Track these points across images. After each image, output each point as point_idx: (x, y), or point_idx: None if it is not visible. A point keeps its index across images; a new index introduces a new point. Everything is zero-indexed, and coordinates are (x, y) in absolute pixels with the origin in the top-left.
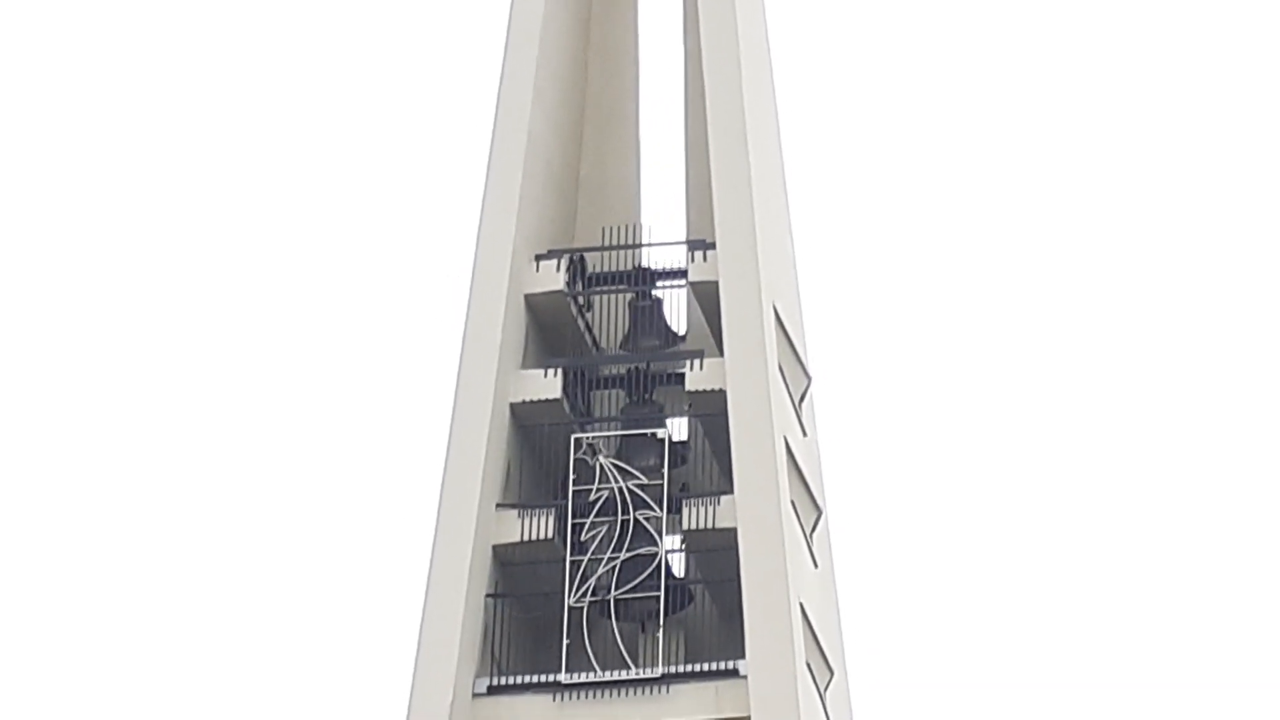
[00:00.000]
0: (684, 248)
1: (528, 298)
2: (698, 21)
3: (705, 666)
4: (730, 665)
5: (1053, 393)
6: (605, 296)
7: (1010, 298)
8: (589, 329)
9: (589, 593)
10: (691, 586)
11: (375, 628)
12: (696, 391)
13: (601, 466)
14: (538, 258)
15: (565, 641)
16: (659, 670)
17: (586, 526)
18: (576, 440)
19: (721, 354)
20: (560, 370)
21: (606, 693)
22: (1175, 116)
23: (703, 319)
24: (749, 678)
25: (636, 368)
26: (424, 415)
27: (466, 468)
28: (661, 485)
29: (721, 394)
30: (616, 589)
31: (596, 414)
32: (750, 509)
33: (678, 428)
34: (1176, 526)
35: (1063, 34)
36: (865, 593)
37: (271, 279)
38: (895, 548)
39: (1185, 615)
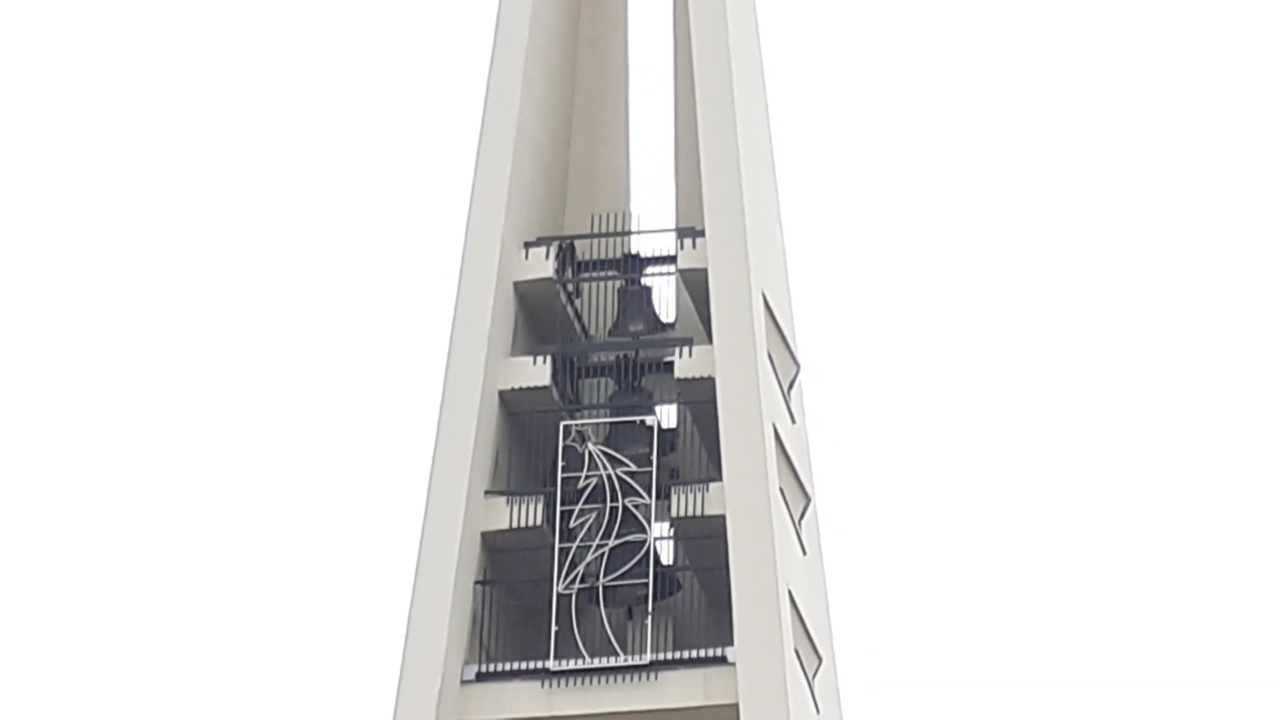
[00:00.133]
0: (673, 235)
1: (517, 285)
2: (687, 10)
3: (693, 653)
4: (719, 652)
5: (1042, 378)
6: (594, 284)
7: (999, 285)
8: (578, 316)
9: (578, 580)
10: (680, 574)
11: (364, 615)
12: (685, 379)
13: (590, 453)
14: (527, 245)
15: (554, 629)
16: (647, 657)
17: (575, 513)
18: (565, 427)
19: (710, 341)
20: (549, 357)
21: (595, 680)
22: (1168, 112)
23: (692, 306)
24: (737, 665)
25: (625, 355)
26: (413, 402)
27: (455, 455)
28: (650, 472)
29: (710, 381)
30: (605, 576)
31: (585, 401)
32: (739, 496)
33: (667, 415)
34: (1169, 510)
35: (1053, 22)
36: (854, 580)
37: (260, 266)
38: (884, 535)
39: (1174, 603)
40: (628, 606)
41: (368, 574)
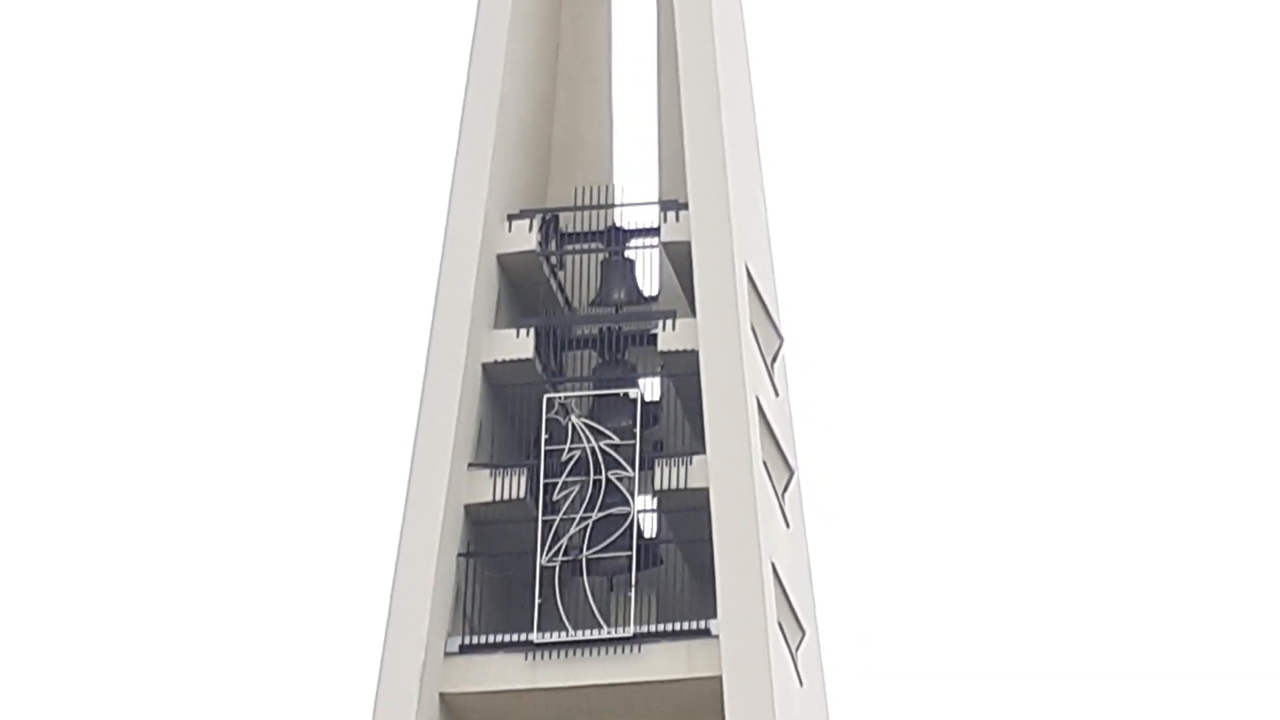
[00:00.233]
0: (656, 208)
1: (500, 257)
2: None
3: (677, 626)
4: (702, 625)
5: (1026, 347)
6: (577, 257)
7: (982, 257)
8: (561, 289)
9: (561, 552)
10: (663, 546)
11: (347, 588)
12: (669, 351)
13: (574, 426)
14: (510, 217)
15: (537, 601)
16: (631, 630)
17: (559, 486)
18: (549, 400)
19: (694, 314)
20: (532, 330)
21: (578, 652)
22: (1160, 110)
23: (675, 279)
24: (720, 637)
25: (609, 328)
26: (396, 375)
27: (438, 427)
28: (634, 445)
29: (694, 354)
30: (588, 549)
31: (569, 374)
32: (722, 469)
33: (650, 388)
34: (1155, 487)
35: (1044, 11)
36: (837, 553)
37: (243, 236)
38: (867, 508)
39: (1159, 582)
40: (611, 579)
41: (351, 547)
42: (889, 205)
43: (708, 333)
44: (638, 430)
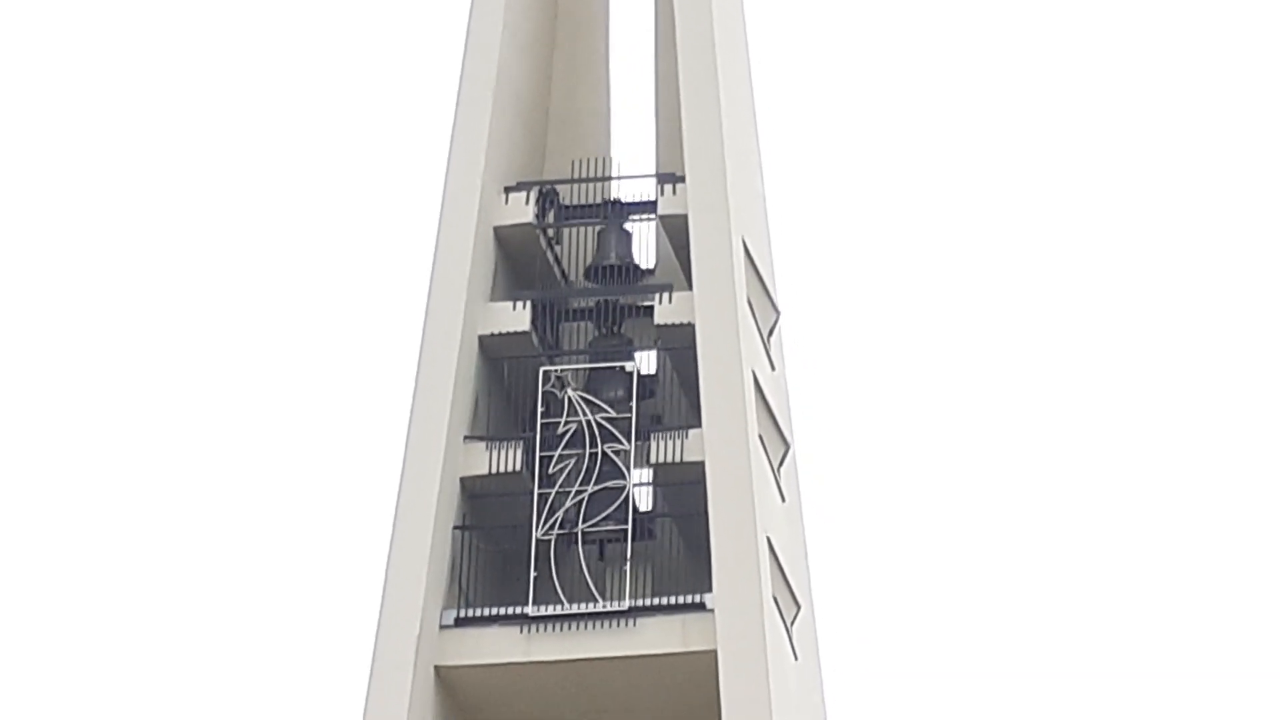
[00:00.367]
0: (654, 181)
1: (497, 230)
2: None
3: (672, 600)
4: (697, 598)
5: (1025, 326)
6: (574, 229)
7: (979, 236)
8: (558, 261)
9: (556, 525)
10: (658, 520)
11: (343, 560)
12: (665, 325)
13: (570, 399)
14: (507, 190)
15: (532, 574)
16: (626, 603)
17: (554, 459)
18: (545, 373)
19: (690, 287)
20: (529, 303)
21: (573, 625)
22: (1160, 110)
23: (671, 252)
24: (716, 611)
25: (605, 301)
26: (393, 348)
27: (435, 400)
28: (630, 418)
29: (690, 327)
30: (584, 522)
31: (565, 347)
32: (718, 443)
33: (646, 361)
34: (1153, 494)
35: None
36: (832, 527)
37: (241, 211)
38: (863, 482)
39: (1154, 579)
40: (606, 552)
41: (347, 520)
42: (886, 181)
43: (704, 306)
44: (634, 403)
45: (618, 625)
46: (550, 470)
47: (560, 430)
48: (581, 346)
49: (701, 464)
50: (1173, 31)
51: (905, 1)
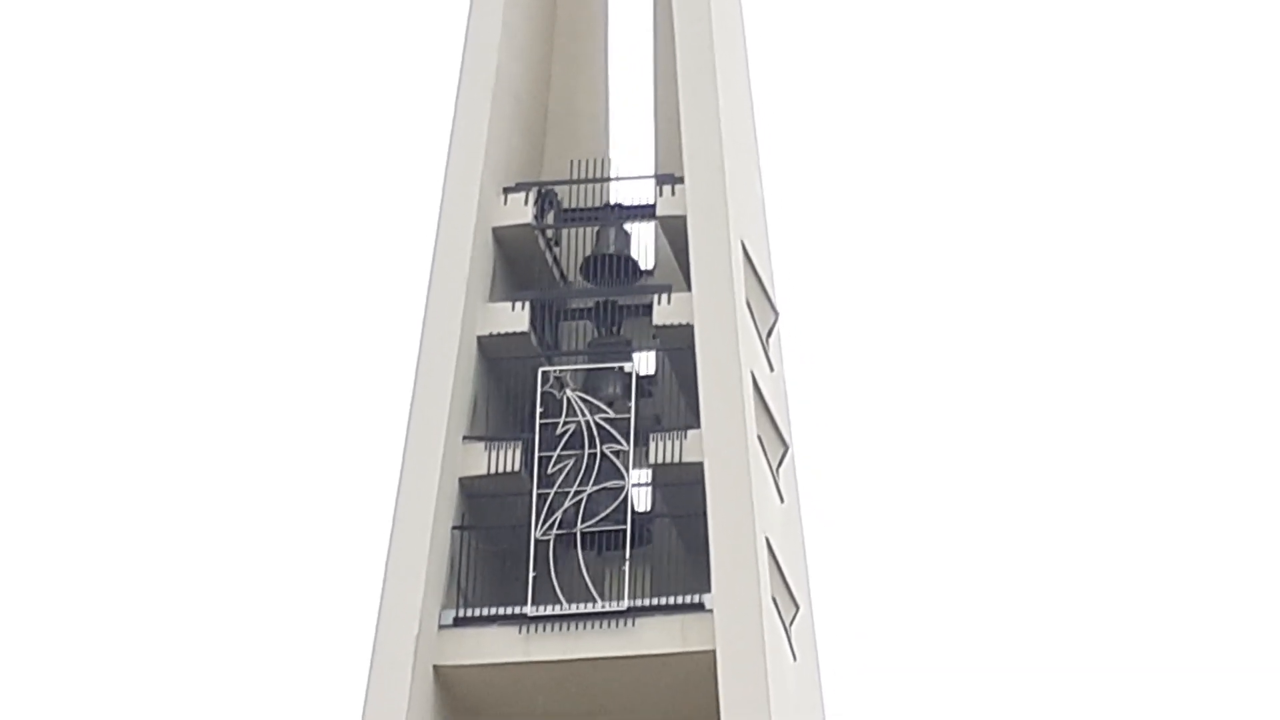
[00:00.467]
0: (652, 182)
1: (495, 230)
2: None
3: (671, 600)
4: (696, 599)
5: (1023, 326)
6: (573, 230)
7: (976, 239)
8: (556, 262)
9: (555, 526)
10: (658, 520)
11: (342, 559)
12: (664, 325)
13: (568, 400)
14: (506, 191)
15: (531, 574)
16: (625, 603)
17: (553, 459)
18: (544, 373)
19: (689, 288)
20: (528, 303)
21: (572, 625)
22: (1164, 111)
23: (671, 254)
24: (714, 611)
25: (604, 301)
26: (392, 348)
27: (434, 400)
28: (628, 419)
29: (689, 328)
30: (583, 522)
31: (564, 347)
32: (717, 443)
33: (645, 361)
34: (1151, 491)
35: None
36: (831, 527)
37: (240, 211)
38: (861, 483)
39: (1157, 584)
40: (605, 552)
41: (345, 520)
42: (885, 182)
43: (703, 307)
44: (633, 404)
45: (616, 625)
46: (549, 470)
47: (559, 431)
48: (580, 347)
49: (700, 465)
50: (1173, 31)
51: (904, 2)
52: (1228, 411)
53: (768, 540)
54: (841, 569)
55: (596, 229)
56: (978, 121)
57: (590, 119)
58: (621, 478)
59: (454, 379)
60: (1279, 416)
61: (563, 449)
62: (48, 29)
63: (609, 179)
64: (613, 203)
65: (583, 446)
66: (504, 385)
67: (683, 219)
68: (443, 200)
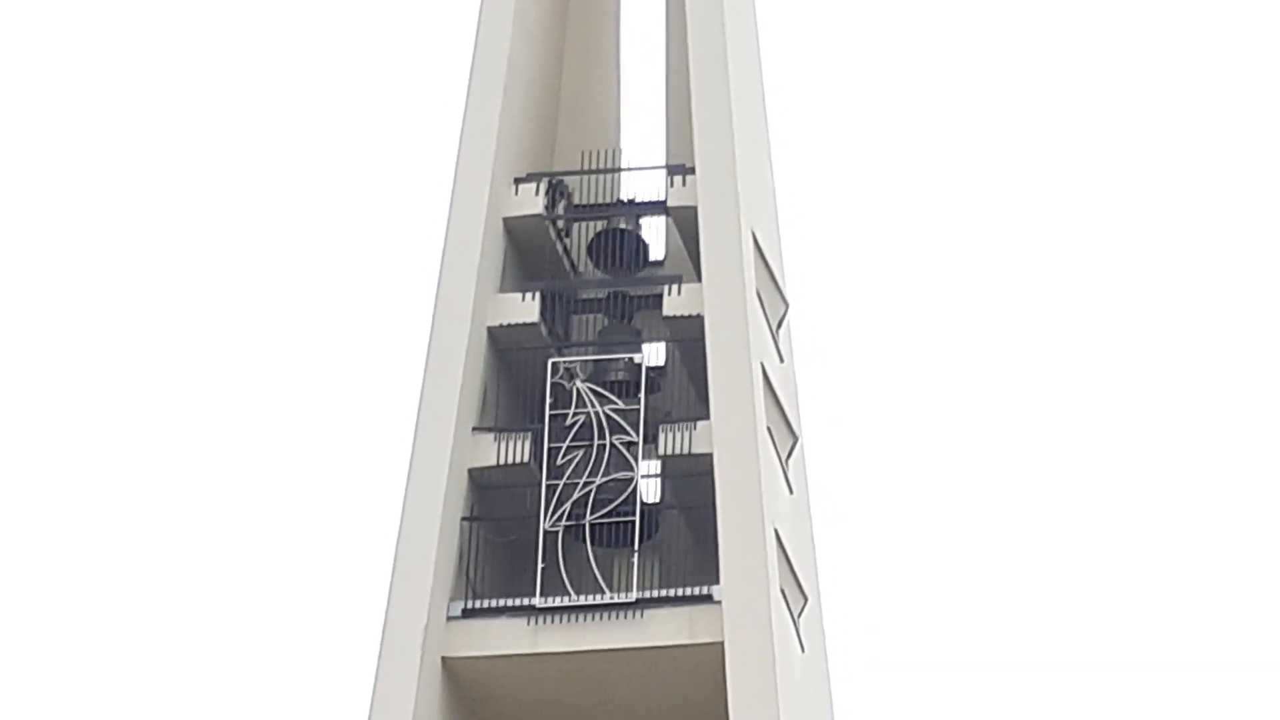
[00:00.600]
0: (663, 172)
1: (506, 221)
2: None
3: (680, 591)
4: (704, 590)
5: (1033, 319)
6: (584, 221)
7: (987, 231)
8: (567, 253)
9: (564, 517)
10: (666, 511)
11: (350, 551)
12: (674, 317)
13: (578, 391)
14: (517, 181)
15: (540, 565)
16: (633, 595)
17: (562, 451)
18: (553, 364)
19: (699, 279)
20: (538, 294)
21: (581, 617)
22: (1172, 114)
23: (681, 244)
24: (723, 603)
25: (614, 292)
26: (401, 338)
27: (443, 391)
28: (638, 410)
29: (699, 319)
30: (592, 513)
31: (574, 338)
32: (726, 434)
33: (655, 353)
34: (1161, 485)
35: None
36: (840, 519)
37: (250, 201)
38: (871, 474)
39: (1167, 579)
40: (614, 544)
41: (354, 511)
42: (896, 173)
43: (713, 298)
44: (642, 395)
45: (625, 617)
46: (558, 462)
47: (569, 422)
48: (590, 338)
49: (710, 456)
50: (1176, 31)
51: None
52: (1230, 411)
53: (776, 532)
54: (850, 561)
55: (607, 219)
56: (990, 113)
57: (602, 109)
58: (631, 469)
59: (464, 370)
60: (1279, 416)
61: (572, 440)
62: (49, 30)
63: (620, 169)
64: (624, 198)
65: (592, 438)
66: (514, 376)
67: (693, 210)
68: (453, 190)
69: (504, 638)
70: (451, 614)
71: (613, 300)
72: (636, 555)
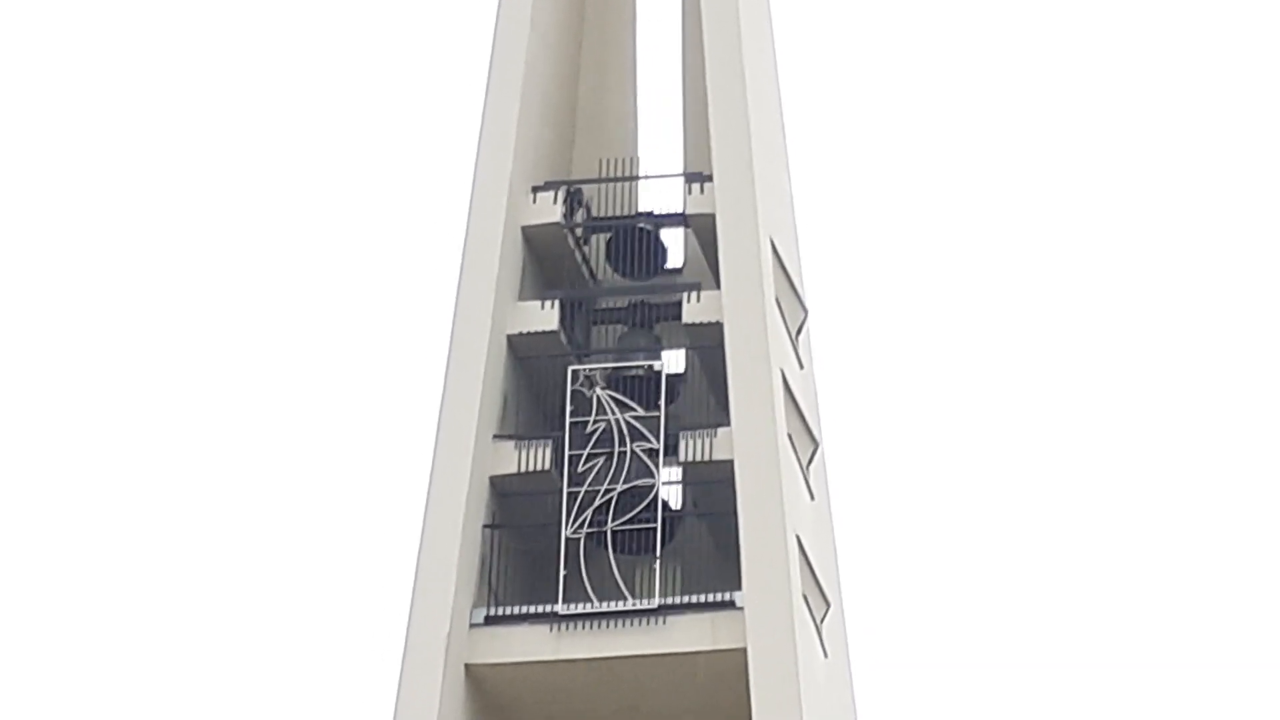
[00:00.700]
0: (681, 180)
1: (525, 229)
2: None
3: (702, 598)
4: (727, 597)
5: (1051, 323)
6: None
7: (1006, 235)
8: (586, 261)
9: (586, 524)
10: (688, 518)
11: (373, 559)
12: (693, 324)
13: (598, 398)
14: (535, 189)
15: (562, 573)
16: (655, 601)
17: (583, 458)
18: (573, 372)
19: (718, 287)
20: (557, 302)
21: (603, 624)
22: (1176, 116)
23: (700, 251)
24: (745, 609)
25: (634, 300)
26: (422, 347)
27: (464, 399)
28: (658, 417)
29: (718, 326)
30: (613, 520)
31: (593, 346)
32: (747, 441)
33: (674, 360)
34: (1189, 492)
35: None
36: (861, 525)
37: (271, 208)
38: (892, 479)
39: (1200, 586)
40: (636, 551)
41: (377, 519)
42: (914, 179)
43: (732, 305)
44: (662, 402)
45: (647, 623)
46: (579, 469)
47: (589, 429)
48: (610, 345)
49: (730, 463)
50: (1176, 32)
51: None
52: (1247, 415)
53: (798, 538)
54: (872, 566)
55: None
56: (1007, 119)
57: (619, 117)
58: (651, 476)
59: (484, 378)
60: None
61: (593, 447)
62: (51, 30)
63: (638, 177)
64: (642, 207)
65: (613, 445)
66: (534, 384)
67: (712, 217)
68: (472, 199)
69: (527, 644)
70: (474, 621)
71: (632, 308)
72: (658, 562)
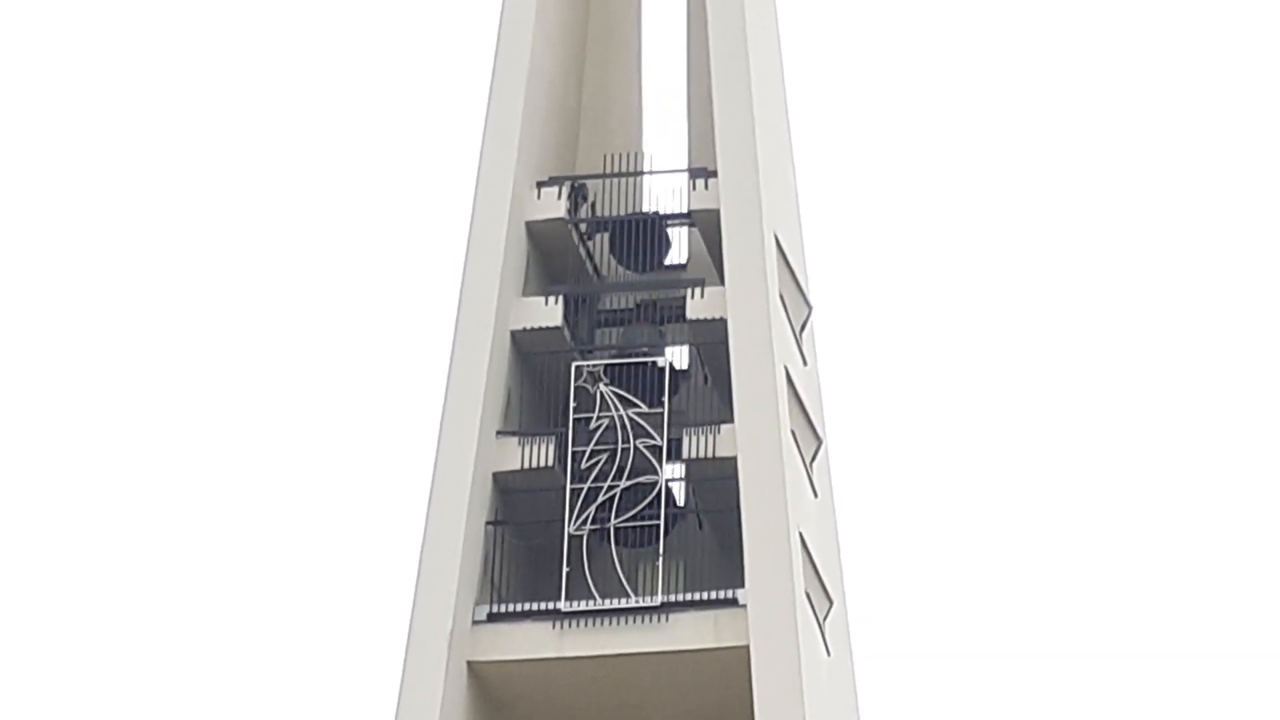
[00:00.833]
0: (685, 176)
1: (529, 225)
2: None
3: (705, 595)
4: (730, 594)
5: (1057, 320)
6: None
7: (1010, 233)
8: (590, 256)
9: (589, 521)
10: (691, 515)
11: (375, 555)
12: (697, 320)
13: (602, 394)
14: (539, 185)
15: (565, 569)
16: (658, 599)
17: (587, 454)
18: (577, 368)
19: (722, 282)
20: (561, 297)
21: (606, 621)
22: (1177, 116)
23: (704, 247)
24: (748, 607)
25: (637, 296)
26: (425, 343)
27: (467, 395)
28: (661, 414)
29: (722, 322)
30: (616, 517)
31: (597, 342)
32: (750, 438)
33: (678, 356)
34: (1171, 479)
35: None
36: (864, 522)
37: (274, 206)
38: (895, 476)
39: (1209, 584)
40: (639, 548)
41: (380, 515)
42: (918, 175)
43: (736, 301)
44: (666, 399)
45: (650, 621)
46: (582, 465)
47: (592, 425)
48: (613, 341)
49: (734, 459)
50: (1178, 33)
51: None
52: (1249, 414)
53: (801, 535)
54: (875, 563)
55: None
56: (1013, 115)
57: (623, 112)
58: (655, 473)
59: (487, 374)
60: None
61: (596, 444)
62: (51, 30)
63: (642, 173)
64: (647, 204)
65: (616, 441)
66: (537, 380)
67: (716, 213)
68: (476, 194)
69: (529, 641)
70: (477, 618)
71: (637, 305)
72: (661, 559)
